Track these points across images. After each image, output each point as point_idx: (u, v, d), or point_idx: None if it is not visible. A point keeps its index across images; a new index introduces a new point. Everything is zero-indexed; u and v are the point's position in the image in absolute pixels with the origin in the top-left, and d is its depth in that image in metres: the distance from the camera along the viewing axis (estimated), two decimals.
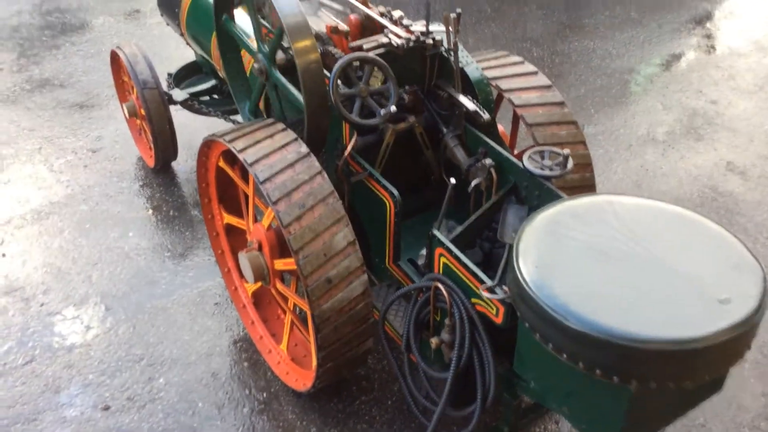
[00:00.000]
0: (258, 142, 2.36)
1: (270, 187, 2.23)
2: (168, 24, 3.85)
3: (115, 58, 3.76)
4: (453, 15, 2.46)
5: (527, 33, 5.31)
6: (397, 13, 2.74)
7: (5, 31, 5.30)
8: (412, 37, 2.49)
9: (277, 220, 2.20)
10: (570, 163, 2.28)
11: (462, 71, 2.57)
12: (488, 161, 2.46)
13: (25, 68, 4.83)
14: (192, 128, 4.09)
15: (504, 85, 2.69)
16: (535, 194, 2.37)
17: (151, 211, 3.66)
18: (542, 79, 2.75)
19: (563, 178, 2.45)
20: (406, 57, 2.50)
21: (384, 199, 2.39)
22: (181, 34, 3.71)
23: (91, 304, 3.12)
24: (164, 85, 3.76)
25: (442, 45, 2.55)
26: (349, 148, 2.45)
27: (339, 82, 2.37)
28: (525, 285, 1.72)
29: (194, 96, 3.80)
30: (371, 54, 2.42)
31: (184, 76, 3.99)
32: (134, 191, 3.80)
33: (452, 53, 2.52)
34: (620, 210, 1.92)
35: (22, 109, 4.43)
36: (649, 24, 5.46)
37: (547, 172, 2.28)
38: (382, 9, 2.74)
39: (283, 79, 2.51)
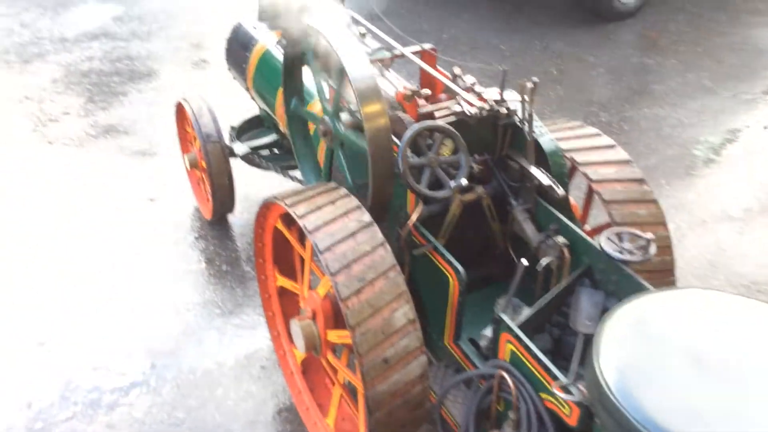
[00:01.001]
0: (319, 207, 2.27)
1: (330, 257, 2.12)
2: (235, 78, 3.84)
3: (180, 109, 3.76)
4: (529, 84, 2.35)
5: (594, 97, 5.17)
6: (469, 79, 2.65)
7: (76, 76, 5.41)
8: (486, 106, 2.38)
9: (335, 292, 2.08)
10: (653, 249, 2.11)
11: (535, 142, 2.45)
12: (561, 239, 2.31)
13: (92, 113, 4.90)
14: (249, 181, 4.04)
15: (579, 157, 2.55)
16: (611, 279, 2.20)
17: (204, 265, 3.60)
18: (620, 153, 2.60)
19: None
20: (477, 125, 2.39)
21: (448, 275, 2.25)
22: (247, 89, 3.69)
23: (137, 359, 3.04)
24: (226, 137, 3.74)
25: (516, 114, 2.43)
26: (413, 217, 2.33)
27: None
28: (607, 390, 1.54)
29: (255, 150, 3.76)
30: (442, 122, 2.32)
31: (246, 128, 3.97)
32: (189, 243, 3.75)
33: (526, 123, 2.40)
34: (717, 308, 1.74)
35: (85, 154, 4.47)
36: (723, 93, 5.26)
37: (627, 257, 2.11)
38: (457, 70, 2.65)
39: (352, 136, 2.42)
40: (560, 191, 2.33)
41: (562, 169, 2.47)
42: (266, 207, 2.54)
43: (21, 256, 3.64)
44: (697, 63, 5.66)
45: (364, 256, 2.15)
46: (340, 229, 2.19)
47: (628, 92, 5.24)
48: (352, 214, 2.25)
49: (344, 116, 2.48)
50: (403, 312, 2.12)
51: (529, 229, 2.43)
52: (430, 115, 2.44)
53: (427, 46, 2.82)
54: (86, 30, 6.15)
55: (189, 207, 4.00)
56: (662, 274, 2.47)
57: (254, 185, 4.04)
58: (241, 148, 3.71)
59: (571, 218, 2.44)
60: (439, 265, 2.28)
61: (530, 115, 2.38)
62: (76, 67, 5.54)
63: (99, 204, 4.02)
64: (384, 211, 2.37)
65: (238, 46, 3.64)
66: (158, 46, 5.88)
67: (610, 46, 5.93)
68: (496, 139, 2.48)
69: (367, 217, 2.24)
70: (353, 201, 2.29)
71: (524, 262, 2.06)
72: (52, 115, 4.87)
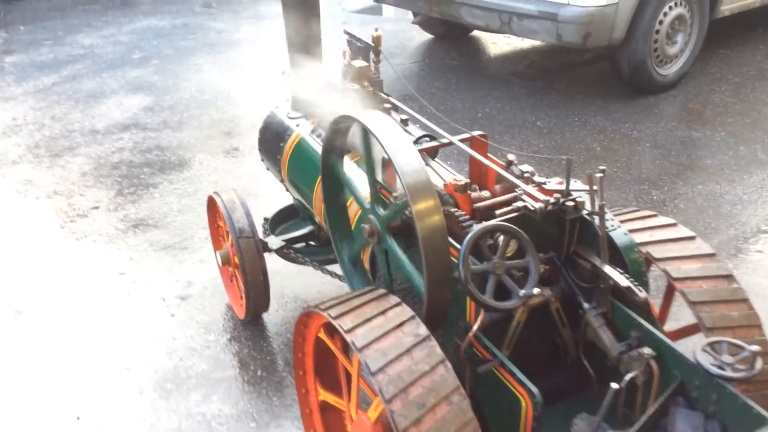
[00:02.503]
0: (368, 320, 2.01)
1: (383, 380, 1.84)
2: (268, 169, 3.67)
3: (212, 203, 3.57)
4: (598, 174, 2.10)
5: (643, 174, 4.91)
6: (526, 168, 2.42)
7: (106, 168, 5.31)
8: (551, 199, 2.13)
9: (392, 422, 1.79)
10: (759, 363, 1.81)
11: (608, 237, 2.19)
12: (646, 350, 2.02)
13: (122, 207, 4.76)
14: (285, 275, 3.82)
15: (657, 252, 2.28)
16: (711, 398, 1.89)
17: (237, 370, 3.33)
18: (703, 246, 2.32)
19: None
20: (542, 221, 2.15)
21: (519, 396, 1.96)
22: (282, 180, 3.50)
23: None
24: (260, 230, 3.54)
25: (584, 208, 2.18)
26: (474, 328, 2.06)
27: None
28: None
29: (290, 243, 3.54)
30: (503, 221, 2.07)
31: (280, 220, 3.76)
32: (221, 345, 3.49)
33: (597, 217, 2.14)
34: None
35: (115, 250, 4.30)
36: None
37: (729, 373, 1.81)
38: (511, 156, 2.42)
39: (399, 252, 2.17)
40: (642, 294, 2.05)
41: (640, 267, 2.19)
42: (307, 316, 2.28)
43: (42, 356, 3.42)
44: (747, 135, 5.40)
45: (422, 376, 1.87)
46: (393, 345, 1.92)
47: (678, 168, 4.98)
48: (407, 327, 1.98)
49: (388, 213, 2.25)
50: None
51: (606, 337, 2.14)
52: (489, 210, 2.20)
53: (477, 133, 2.61)
54: (117, 121, 6.11)
55: (221, 305, 3.76)
56: (762, 385, 2.14)
57: (290, 281, 3.81)
58: (275, 242, 3.49)
59: (653, 323, 2.15)
60: (508, 384, 1.99)
61: (601, 208, 2.13)
62: (107, 159, 5.45)
63: (127, 305, 3.80)
64: (441, 320, 2.10)
65: (272, 136, 3.47)
66: (189, 135, 5.79)
67: (653, 119, 5.71)
68: (563, 235, 2.22)
69: (423, 329, 1.97)
70: (406, 311, 2.03)
71: (615, 386, 1.76)
72: (81, 210, 4.73)
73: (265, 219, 3.71)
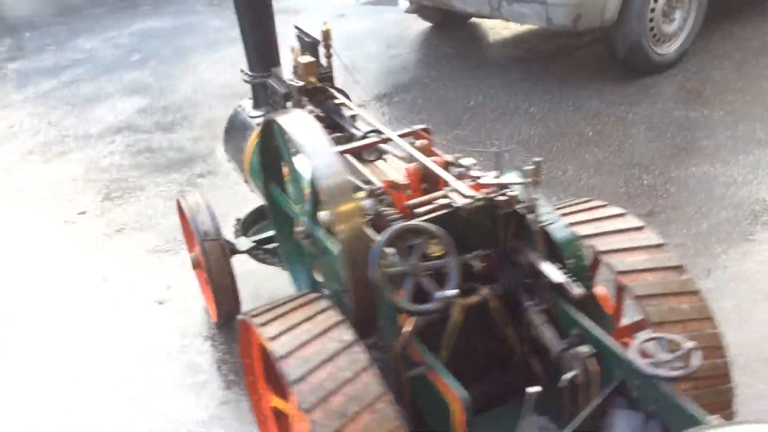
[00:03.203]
0: (295, 326, 1.96)
1: (304, 389, 1.80)
2: (234, 169, 3.63)
3: (179, 206, 3.55)
4: (530, 165, 2.02)
5: (635, 158, 4.77)
6: (468, 161, 2.33)
7: (96, 172, 5.33)
8: (478, 195, 2.05)
9: None
10: (696, 360, 1.72)
11: (545, 231, 2.10)
12: (585, 349, 1.94)
13: (108, 211, 4.77)
14: (260, 275, 3.78)
15: (602, 245, 2.18)
16: (651, 398, 1.80)
17: (209, 375, 3.31)
18: (651, 237, 2.22)
19: None
20: (476, 216, 2.07)
21: (449, 399, 1.89)
22: (245, 181, 3.46)
23: None
24: (231, 232, 3.51)
25: (519, 201, 2.10)
26: (405, 330, 1.99)
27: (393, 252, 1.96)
28: None
29: (260, 243, 3.50)
30: (422, 221, 2.00)
31: (253, 220, 3.73)
32: (195, 349, 3.48)
33: (530, 211, 2.06)
34: None
35: (100, 255, 4.30)
36: None
37: (663, 373, 1.72)
38: (449, 157, 2.35)
39: (329, 244, 2.12)
40: (577, 290, 1.97)
41: (580, 261, 2.10)
42: (242, 324, 2.24)
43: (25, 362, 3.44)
44: (747, 113, 5.22)
45: (345, 384, 1.82)
46: (317, 352, 1.87)
47: (673, 150, 4.83)
48: (334, 332, 1.93)
49: (324, 214, 2.19)
50: None
51: (548, 335, 2.06)
52: (418, 208, 2.12)
53: (418, 127, 2.53)
54: (111, 124, 6.12)
55: (198, 309, 3.74)
56: (712, 381, 2.05)
57: (266, 280, 3.78)
58: (244, 243, 3.45)
59: (600, 318, 2.06)
60: (440, 388, 1.92)
61: (535, 201, 2.05)
62: (97, 163, 5.46)
63: (107, 310, 3.81)
64: (372, 324, 2.04)
65: (235, 134, 3.44)
66: (180, 136, 5.79)
67: (650, 100, 5.55)
68: (499, 231, 2.14)
69: (348, 335, 1.91)
70: (334, 315, 1.98)
71: (532, 389, 1.69)
72: (69, 217, 4.75)
73: (237, 220, 3.67)
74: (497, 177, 2.16)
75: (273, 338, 1.91)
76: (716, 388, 2.06)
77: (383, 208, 2.13)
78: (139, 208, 4.78)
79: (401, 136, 2.47)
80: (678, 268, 2.14)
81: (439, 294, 1.88)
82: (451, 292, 1.88)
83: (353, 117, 2.79)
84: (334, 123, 2.80)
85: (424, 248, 1.93)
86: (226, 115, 3.73)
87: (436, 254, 1.99)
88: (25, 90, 7.08)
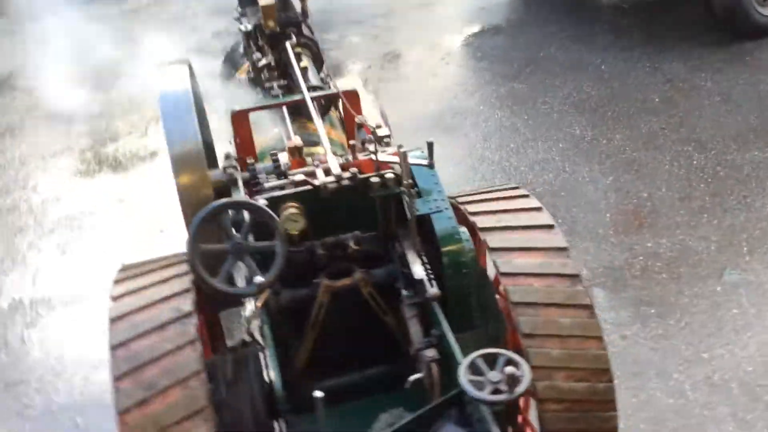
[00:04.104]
0: (143, 288, 1.90)
1: (121, 356, 1.75)
2: None
3: None
4: (403, 149, 1.81)
5: (694, 133, 4.27)
6: (383, 131, 2.14)
7: None
8: (346, 174, 1.88)
9: (114, 401, 1.71)
10: (523, 385, 1.51)
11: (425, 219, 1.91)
12: (430, 353, 1.77)
13: None
14: None
15: (494, 241, 1.94)
16: (475, 417, 1.63)
17: None
18: (555, 238, 1.95)
19: (560, 386, 1.71)
20: (343, 196, 1.91)
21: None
22: None
23: None
24: None
25: (399, 184, 1.90)
26: (256, 306, 1.90)
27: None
28: None
29: None
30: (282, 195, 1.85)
31: None
32: None
33: (407, 196, 1.87)
34: None
35: None
36: None
37: (485, 396, 1.53)
38: (360, 119, 2.16)
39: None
40: (432, 290, 1.79)
41: (459, 257, 1.90)
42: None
43: None
44: None
45: (164, 356, 1.75)
46: (148, 319, 1.81)
47: (740, 129, 4.27)
48: (174, 301, 1.86)
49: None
50: None
51: (413, 330, 1.90)
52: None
53: (347, 89, 2.35)
54: None
55: None
56: (591, 405, 1.81)
57: None
58: None
59: (493, 317, 1.89)
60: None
61: (410, 186, 1.85)
62: None
63: None
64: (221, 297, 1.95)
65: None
66: None
67: (738, 69, 4.90)
68: (378, 214, 1.97)
69: (188, 305, 1.83)
70: (185, 283, 1.91)
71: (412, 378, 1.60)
72: None
73: None
74: (394, 154, 1.97)
75: (116, 298, 1.88)
76: (595, 414, 1.82)
77: (264, 176, 2.02)
78: None
79: (324, 96, 2.32)
80: (573, 277, 1.87)
81: (257, 279, 1.76)
82: (258, 278, 1.75)
83: (304, 69, 2.64)
84: (285, 73, 2.67)
85: (248, 228, 1.79)
86: None
87: (296, 233, 1.86)
88: None
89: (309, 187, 1.88)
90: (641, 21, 5.73)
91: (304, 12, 2.84)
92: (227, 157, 2.19)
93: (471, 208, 2.05)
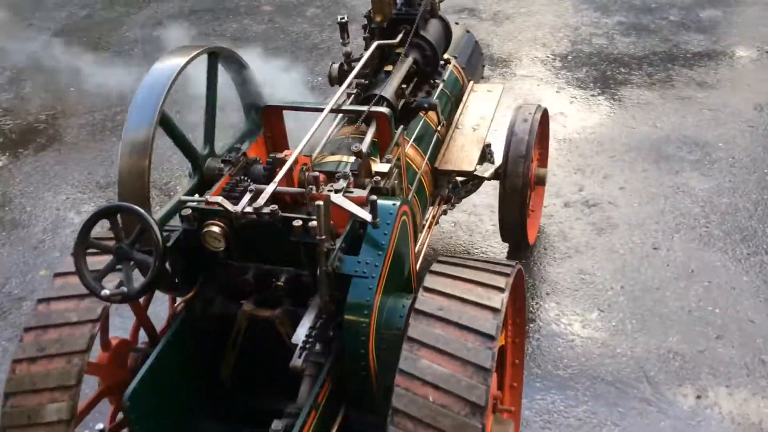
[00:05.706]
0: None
1: (39, 311, 1.88)
2: None
3: None
4: (320, 203, 1.57)
5: None
6: (380, 167, 1.88)
7: None
8: (266, 210, 1.67)
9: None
10: None
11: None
12: (275, 425, 1.61)
13: None
14: None
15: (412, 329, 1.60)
16: None
17: None
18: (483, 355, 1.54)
19: None
20: (259, 231, 1.74)
21: None
22: None
23: None
24: None
25: (307, 231, 1.66)
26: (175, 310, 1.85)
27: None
28: None
29: None
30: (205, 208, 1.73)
31: None
32: None
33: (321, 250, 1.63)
34: None
35: None
36: None
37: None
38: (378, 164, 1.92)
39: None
40: (294, 361, 1.59)
41: (359, 330, 1.63)
42: None
43: None
44: None
45: (66, 325, 1.84)
46: (77, 284, 1.88)
47: None
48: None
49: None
50: (59, 408, 1.77)
51: (301, 389, 1.73)
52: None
53: (378, 109, 2.08)
54: None
55: None
56: None
57: None
58: None
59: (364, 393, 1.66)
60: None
61: (325, 242, 1.61)
62: None
63: None
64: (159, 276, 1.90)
65: None
66: None
67: None
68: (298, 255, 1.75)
69: (108, 290, 1.85)
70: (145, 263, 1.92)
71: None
72: None
73: None
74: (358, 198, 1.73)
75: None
76: None
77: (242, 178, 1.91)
78: None
79: (352, 112, 2.12)
80: (475, 407, 1.45)
81: (105, 291, 1.66)
82: (105, 291, 1.64)
83: (387, 74, 2.39)
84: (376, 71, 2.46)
85: (137, 235, 1.67)
86: None
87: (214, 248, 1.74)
88: None
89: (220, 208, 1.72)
90: None
91: (434, 9, 2.56)
92: (230, 150, 2.12)
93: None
